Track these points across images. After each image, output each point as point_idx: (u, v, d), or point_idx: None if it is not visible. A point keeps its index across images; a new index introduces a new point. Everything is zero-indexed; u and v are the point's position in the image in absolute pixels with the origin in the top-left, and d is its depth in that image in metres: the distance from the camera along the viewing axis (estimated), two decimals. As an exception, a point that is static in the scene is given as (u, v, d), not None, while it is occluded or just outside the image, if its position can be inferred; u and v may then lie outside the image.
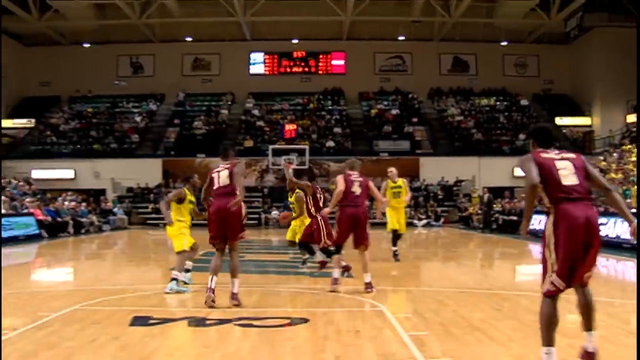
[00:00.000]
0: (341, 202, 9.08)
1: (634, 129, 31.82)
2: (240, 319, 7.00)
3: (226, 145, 7.04)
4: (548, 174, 4.74)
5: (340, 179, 9.23)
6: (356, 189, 9.10)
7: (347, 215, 9.07)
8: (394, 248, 14.03)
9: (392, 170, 14.18)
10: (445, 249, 19.90)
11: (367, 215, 9.33)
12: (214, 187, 7.88)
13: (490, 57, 40.43)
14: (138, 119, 38.27)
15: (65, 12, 36.13)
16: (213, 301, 7.61)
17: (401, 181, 14.14)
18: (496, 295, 9.06)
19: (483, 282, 11.13)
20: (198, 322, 6.90)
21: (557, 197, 4.71)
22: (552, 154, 4.90)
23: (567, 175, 4.78)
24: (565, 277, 4.62)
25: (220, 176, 7.92)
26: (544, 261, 4.75)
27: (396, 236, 14.11)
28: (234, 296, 7.77)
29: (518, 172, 28.94)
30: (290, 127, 36.06)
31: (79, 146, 36.22)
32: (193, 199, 9.98)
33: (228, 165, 7.97)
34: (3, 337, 5.78)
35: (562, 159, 4.87)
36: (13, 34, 39.34)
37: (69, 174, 34.78)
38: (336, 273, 9.24)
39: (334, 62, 41.17)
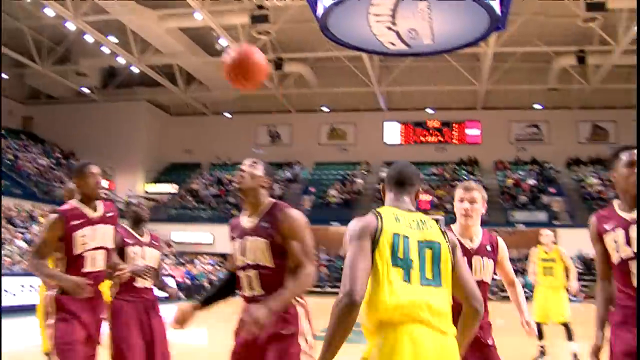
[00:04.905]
0: None
1: None
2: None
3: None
4: None
5: None
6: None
7: None
8: (539, 343, 10.67)
9: (547, 233, 11.12)
10: (585, 327, 19.17)
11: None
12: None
13: (632, 124, 39.05)
14: (275, 186, 41.58)
15: (208, 84, 40.07)
16: None
17: (557, 251, 10.95)
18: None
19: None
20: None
21: None
22: None
23: None
24: None
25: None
26: None
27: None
28: None
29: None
30: (424, 197, 37.09)
31: (217, 212, 39.31)
32: None
33: None
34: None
35: None
36: (161, 105, 44.41)
37: (207, 238, 37.67)
38: None
39: (468, 132, 42.99)
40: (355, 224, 3.19)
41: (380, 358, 2.94)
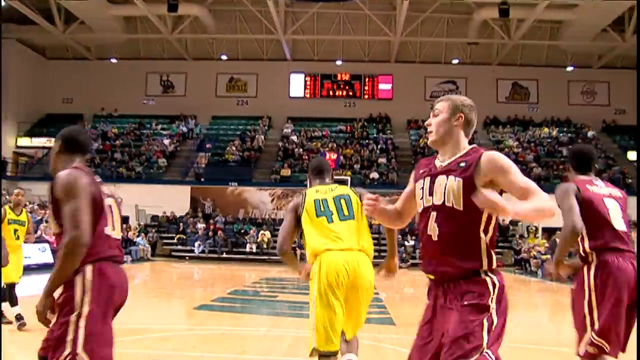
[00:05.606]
0: None
1: None
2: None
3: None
4: (597, 214, 4.49)
5: None
6: None
7: None
8: None
9: None
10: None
11: None
12: None
13: (554, 84, 39.94)
14: (166, 141, 38.42)
15: (91, 25, 36.69)
16: None
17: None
18: (558, 353, 8.33)
19: (542, 336, 10.38)
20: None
21: (603, 244, 4.45)
22: (600, 186, 4.64)
23: (617, 218, 4.51)
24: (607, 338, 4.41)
25: None
26: (580, 318, 4.53)
27: None
28: None
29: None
30: (331, 155, 35.60)
31: (101, 169, 35.87)
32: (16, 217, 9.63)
33: None
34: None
35: (610, 196, 4.61)
36: (35, 46, 40.42)
37: (90, 198, 34.64)
38: None
39: (380, 87, 41.10)
40: (289, 204, 5.48)
41: (316, 271, 5.04)
